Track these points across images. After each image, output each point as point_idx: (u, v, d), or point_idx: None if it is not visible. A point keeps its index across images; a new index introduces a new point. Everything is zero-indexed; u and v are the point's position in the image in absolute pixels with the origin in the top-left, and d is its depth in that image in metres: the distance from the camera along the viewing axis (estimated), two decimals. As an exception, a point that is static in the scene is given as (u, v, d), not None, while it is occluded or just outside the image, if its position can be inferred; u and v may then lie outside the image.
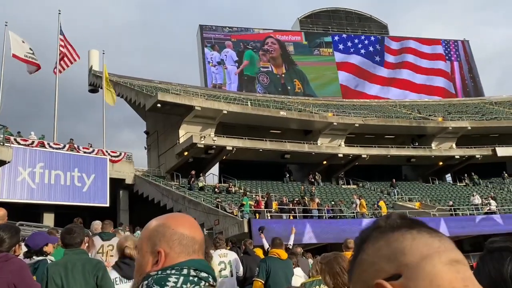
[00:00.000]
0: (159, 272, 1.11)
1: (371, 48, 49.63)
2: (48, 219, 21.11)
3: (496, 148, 32.82)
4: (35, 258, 3.73)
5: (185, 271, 1.10)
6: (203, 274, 1.12)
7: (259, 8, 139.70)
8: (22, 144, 21.41)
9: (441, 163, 32.84)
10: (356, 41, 49.57)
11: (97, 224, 6.84)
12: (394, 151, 31.56)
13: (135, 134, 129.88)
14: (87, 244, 3.81)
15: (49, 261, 3.74)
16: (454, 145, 34.17)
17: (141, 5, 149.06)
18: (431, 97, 48.57)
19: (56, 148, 22.55)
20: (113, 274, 3.58)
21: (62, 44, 25.56)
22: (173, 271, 1.10)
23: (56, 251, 4.63)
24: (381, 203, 24.09)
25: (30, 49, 23.95)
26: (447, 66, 51.21)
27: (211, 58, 43.89)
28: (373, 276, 0.69)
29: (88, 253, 3.59)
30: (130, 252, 3.66)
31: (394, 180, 30.58)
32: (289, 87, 44.79)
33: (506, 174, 33.49)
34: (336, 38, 49.03)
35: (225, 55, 44.27)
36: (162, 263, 1.12)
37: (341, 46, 48.80)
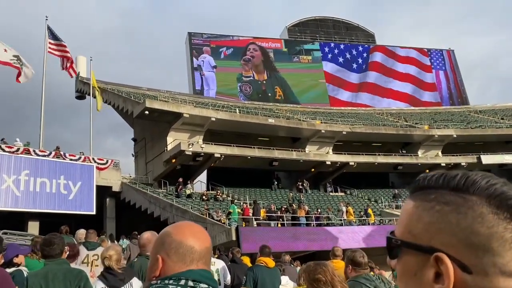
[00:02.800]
0: (158, 282, 1.12)
1: (360, 60, 50.12)
2: (33, 227, 20.76)
3: (481, 156, 33.30)
4: (9, 270, 3.66)
5: (182, 282, 1.10)
6: (203, 285, 1.12)
7: (247, 17, 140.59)
8: (6, 151, 21.09)
9: (427, 170, 33.13)
10: (348, 55, 49.98)
11: (81, 234, 6.74)
12: (381, 159, 31.83)
13: (120, 141, 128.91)
14: (67, 253, 3.75)
15: (24, 272, 3.67)
16: (440, 153, 34.58)
17: (127, 12, 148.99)
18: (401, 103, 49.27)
19: (42, 155, 22.26)
20: (99, 285, 3.52)
21: (54, 48, 25.30)
22: (171, 281, 1.10)
23: (36, 263, 4.55)
24: (369, 211, 24.24)
25: (14, 56, 23.64)
26: (432, 77, 51.95)
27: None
28: (446, 243, 0.57)
29: (69, 263, 3.51)
30: (109, 263, 3.57)
31: (396, 191, 30.72)
32: (269, 94, 44.89)
33: (490, 182, 33.91)
34: (323, 45, 49.45)
35: (202, 60, 44.19)
36: (159, 270, 1.14)
37: (328, 53, 49.23)
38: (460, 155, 33.56)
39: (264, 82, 45.40)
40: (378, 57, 50.60)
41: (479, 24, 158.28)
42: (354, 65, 49.77)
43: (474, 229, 0.56)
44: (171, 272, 1.12)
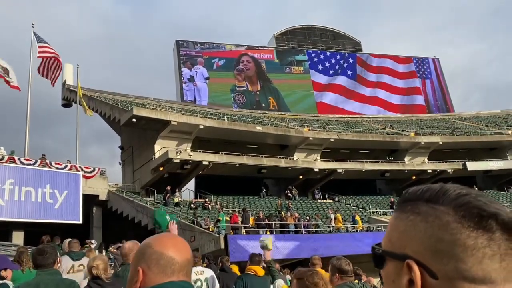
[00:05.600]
0: None
1: (345, 65, 50.64)
2: (18, 237, 20.41)
3: (466, 163, 33.77)
4: None
5: None
6: None
7: (234, 24, 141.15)
8: (-9, 160, 20.75)
9: (414, 177, 33.52)
10: (333, 61, 50.44)
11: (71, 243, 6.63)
12: (368, 166, 32.07)
13: (103, 149, 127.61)
14: (59, 264, 3.71)
15: (9, 286, 3.61)
16: (426, 160, 34.96)
17: (111, 20, 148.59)
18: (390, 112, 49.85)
19: (27, 164, 21.93)
20: None
21: (43, 54, 25.04)
22: None
23: (19, 274, 4.47)
24: (357, 217, 24.35)
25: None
26: (419, 83, 52.68)
27: (183, 74, 43.86)
28: (416, 251, 0.60)
29: (61, 273, 3.48)
30: (97, 272, 3.58)
31: (392, 199, 30.91)
32: (263, 105, 45.12)
33: (476, 188, 34.38)
34: (315, 58, 49.79)
35: (196, 71, 44.29)
36: (139, 282, 1.13)
37: (320, 67, 49.57)
38: (446, 162, 33.98)
39: (258, 92, 45.65)
40: (370, 68, 51.14)
41: (459, 33, 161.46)
42: (339, 71, 50.22)
43: (439, 236, 0.59)
44: (151, 284, 1.11)
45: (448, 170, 33.31)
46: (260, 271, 5.78)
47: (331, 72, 49.84)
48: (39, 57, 24.94)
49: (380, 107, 49.55)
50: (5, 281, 3.77)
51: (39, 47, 24.97)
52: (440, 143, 34.79)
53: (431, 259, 0.59)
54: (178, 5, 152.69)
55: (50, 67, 25.45)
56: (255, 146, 30.87)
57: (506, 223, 0.58)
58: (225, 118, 31.70)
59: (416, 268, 0.59)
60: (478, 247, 0.57)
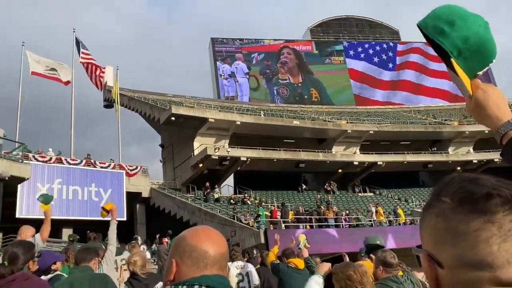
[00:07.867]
0: (172, 287, 1.12)
1: (384, 56, 49.38)
2: (67, 234, 21.30)
3: (515, 151, 32.16)
4: (46, 277, 3.75)
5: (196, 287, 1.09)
6: None
7: (263, 21, 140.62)
8: (40, 161, 21.77)
9: (459, 168, 32.31)
10: (371, 51, 49.34)
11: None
12: (410, 157, 31.20)
13: (142, 148, 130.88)
14: (100, 260, 3.80)
15: (63, 277, 3.76)
16: (471, 150, 33.62)
17: (148, 22, 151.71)
18: (440, 101, 47.96)
19: (73, 164, 22.86)
20: None
21: (84, 59, 26.08)
22: (184, 287, 1.10)
23: (67, 270, 4.67)
24: (399, 211, 23.78)
25: (47, 66, 24.46)
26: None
27: (223, 71, 44.23)
28: (427, 243, 0.62)
29: (93, 269, 3.53)
30: (133, 268, 3.65)
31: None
32: (306, 96, 44.93)
33: (526, 178, 32.73)
34: (346, 44, 48.99)
35: (236, 67, 44.64)
36: (173, 273, 1.14)
37: (351, 52, 48.70)
38: (493, 151, 32.47)
39: (300, 85, 45.56)
40: (413, 57, 49.55)
41: (503, 16, 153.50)
42: (376, 60, 49.02)
43: (437, 226, 0.60)
44: (184, 277, 1.11)
45: (495, 160, 31.85)
46: (300, 264, 5.75)
47: (368, 61, 48.78)
48: (81, 62, 25.94)
49: (418, 95, 47.98)
50: (57, 272, 3.95)
51: (82, 53, 25.95)
52: (486, 132, 33.28)
53: (435, 249, 0.60)
54: (205, 5, 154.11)
55: (93, 72, 26.48)
56: (293, 141, 30.72)
57: (509, 201, 0.56)
58: (262, 114, 31.73)
59: (425, 260, 0.62)
60: (470, 231, 0.56)
